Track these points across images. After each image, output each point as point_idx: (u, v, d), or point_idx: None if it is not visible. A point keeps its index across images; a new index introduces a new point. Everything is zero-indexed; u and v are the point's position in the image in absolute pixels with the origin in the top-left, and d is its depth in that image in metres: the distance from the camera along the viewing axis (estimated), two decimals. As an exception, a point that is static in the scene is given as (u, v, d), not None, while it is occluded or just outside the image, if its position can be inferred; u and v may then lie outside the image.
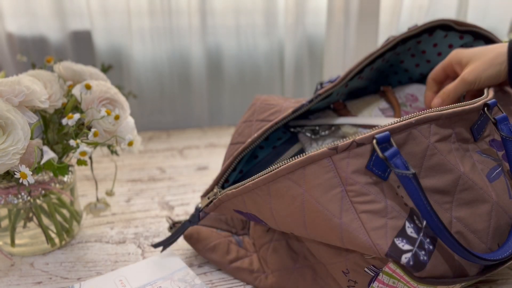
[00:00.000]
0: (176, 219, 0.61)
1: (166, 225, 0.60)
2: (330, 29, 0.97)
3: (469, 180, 0.39)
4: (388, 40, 0.53)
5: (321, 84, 0.55)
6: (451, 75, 0.52)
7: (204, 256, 0.52)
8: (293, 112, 0.50)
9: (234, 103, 1.02)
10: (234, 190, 0.42)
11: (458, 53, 0.50)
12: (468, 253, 0.35)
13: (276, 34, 0.97)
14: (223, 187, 0.49)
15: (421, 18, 1.04)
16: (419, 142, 0.38)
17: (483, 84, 0.47)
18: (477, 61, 0.48)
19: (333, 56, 1.00)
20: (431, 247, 0.36)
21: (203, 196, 0.49)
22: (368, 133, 0.37)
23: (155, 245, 0.51)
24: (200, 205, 0.48)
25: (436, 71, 0.53)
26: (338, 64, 1.01)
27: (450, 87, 0.49)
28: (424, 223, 0.37)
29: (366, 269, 0.40)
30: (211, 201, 0.46)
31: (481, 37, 0.54)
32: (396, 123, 0.37)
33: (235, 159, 0.49)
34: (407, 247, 0.35)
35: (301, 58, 1.00)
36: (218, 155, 0.84)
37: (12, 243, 0.53)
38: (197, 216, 0.48)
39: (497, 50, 0.47)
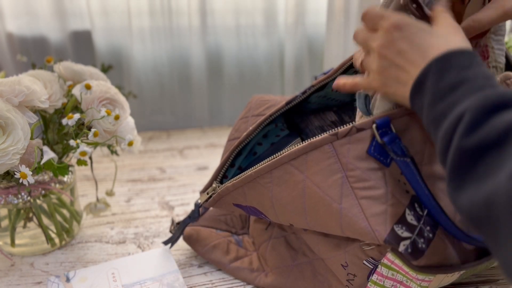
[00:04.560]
0: (176, 219, 0.61)
1: (166, 225, 0.60)
2: (330, 29, 0.97)
3: None
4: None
5: (316, 78, 0.56)
6: None
7: (204, 257, 0.52)
8: (287, 103, 0.50)
9: (234, 103, 1.02)
10: (234, 181, 0.42)
11: None
12: (466, 236, 0.35)
13: (276, 34, 0.97)
14: (221, 183, 0.49)
15: (421, 18, 1.04)
16: (420, 128, 0.38)
17: None
18: None
19: (333, 56, 1.00)
20: (430, 235, 0.36)
21: (202, 191, 0.49)
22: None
23: (165, 242, 0.52)
24: (199, 201, 0.48)
25: None
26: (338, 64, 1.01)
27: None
28: (426, 211, 0.37)
29: (365, 262, 0.40)
30: (210, 196, 0.46)
31: None
32: (396, 108, 0.37)
33: (232, 153, 0.49)
34: (406, 234, 0.35)
35: (301, 58, 1.00)
36: (218, 155, 0.84)
37: (12, 243, 0.53)
38: (197, 212, 0.48)
39: None
